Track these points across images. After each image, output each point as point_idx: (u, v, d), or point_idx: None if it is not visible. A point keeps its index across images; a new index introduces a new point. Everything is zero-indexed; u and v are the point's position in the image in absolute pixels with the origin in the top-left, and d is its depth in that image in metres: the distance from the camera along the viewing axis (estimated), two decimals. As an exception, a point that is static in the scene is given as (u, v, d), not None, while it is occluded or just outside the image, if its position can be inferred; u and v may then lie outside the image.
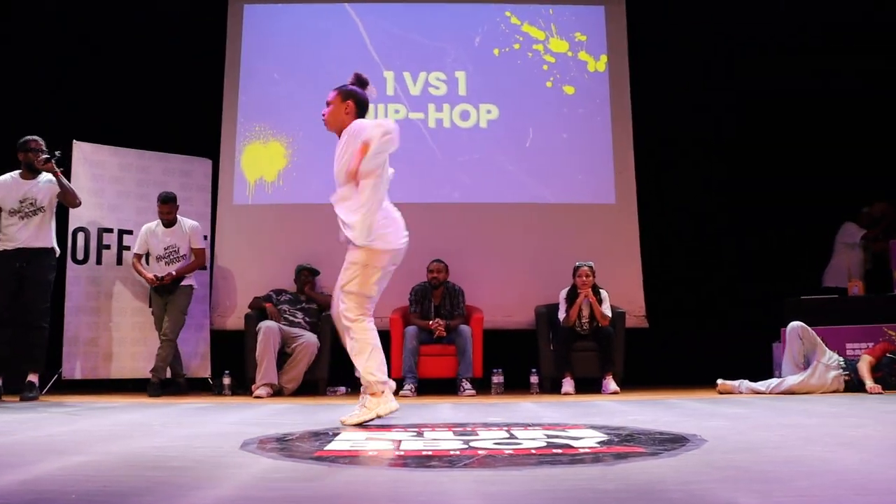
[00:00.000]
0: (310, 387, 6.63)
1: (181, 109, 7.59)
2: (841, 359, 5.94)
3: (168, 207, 6.65)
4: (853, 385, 5.74)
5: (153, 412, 4.38)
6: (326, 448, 2.57)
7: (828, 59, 7.72)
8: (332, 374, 6.77)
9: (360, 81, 4.15)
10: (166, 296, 6.58)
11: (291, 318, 6.77)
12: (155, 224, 6.72)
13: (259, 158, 7.85)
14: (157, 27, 7.74)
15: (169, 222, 6.68)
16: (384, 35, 8.16)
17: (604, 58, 8.20)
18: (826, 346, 5.97)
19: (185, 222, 6.78)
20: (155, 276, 6.49)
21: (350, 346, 3.79)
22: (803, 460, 2.21)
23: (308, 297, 6.98)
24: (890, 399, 4.96)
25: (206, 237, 7.14)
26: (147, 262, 6.70)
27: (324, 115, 4.03)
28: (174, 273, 6.53)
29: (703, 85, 8.00)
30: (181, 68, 7.77)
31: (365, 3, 8.19)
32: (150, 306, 6.76)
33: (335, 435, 2.99)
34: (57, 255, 5.87)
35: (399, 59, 8.13)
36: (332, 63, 8.02)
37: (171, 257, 6.67)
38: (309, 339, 6.58)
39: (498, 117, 8.03)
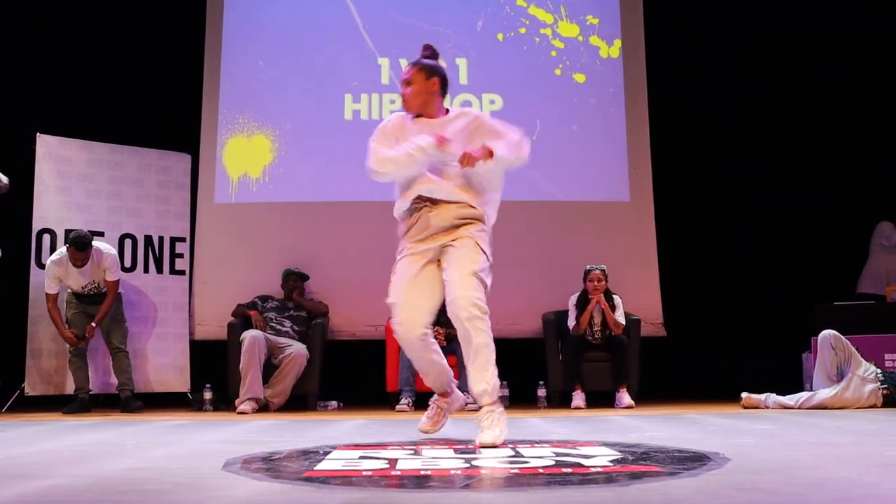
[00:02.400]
0: (298, 401, 6.62)
1: (157, 100, 7.58)
2: (879, 371, 5.93)
3: (83, 255, 6.34)
4: (892, 400, 5.72)
5: (126, 430, 4.37)
6: (316, 468, 2.56)
7: (867, 47, 7.71)
8: (323, 387, 6.77)
9: (434, 54, 3.90)
10: (93, 307, 6.53)
11: (278, 326, 6.75)
12: (66, 261, 6.40)
13: (243, 153, 7.84)
14: (130, 10, 7.73)
15: (82, 263, 6.43)
16: (379, 19, 8.15)
17: (617, 42, 8.19)
18: (862, 356, 5.96)
19: (100, 255, 6.46)
20: (74, 333, 6.35)
21: (484, 343, 3.57)
22: (837, 483, 2.19)
23: (296, 303, 6.96)
24: (931, 415, 4.95)
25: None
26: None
27: (404, 95, 3.74)
28: (94, 325, 6.44)
29: (728, 74, 7.97)
30: (157, 55, 7.75)
31: (358, -15, 8.20)
32: (68, 327, 6.50)
33: (326, 454, 2.98)
34: None
35: (395, 46, 8.12)
36: (322, 49, 8.04)
37: (93, 294, 6.55)
38: (297, 349, 6.56)
39: (502, 108, 8.01)
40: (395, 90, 7.92)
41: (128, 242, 7.12)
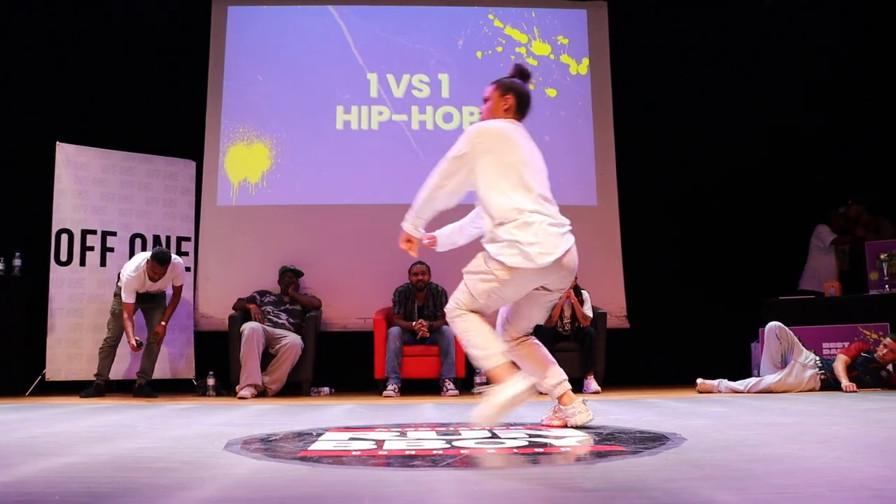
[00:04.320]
0: (294, 387, 6.62)
1: (165, 111, 7.56)
2: (817, 358, 6.01)
3: (163, 270, 6.34)
4: (829, 384, 5.80)
5: (137, 414, 4.36)
6: (310, 448, 2.57)
7: (809, 60, 7.79)
8: (317, 374, 6.78)
9: (522, 73, 3.55)
10: (140, 304, 6.52)
11: (275, 319, 6.75)
12: (143, 274, 6.35)
13: (243, 160, 7.82)
14: (141, 28, 7.70)
15: (160, 276, 6.41)
16: (368, 37, 8.16)
17: (585, 61, 8.24)
18: (803, 345, 6.03)
19: (173, 265, 6.45)
20: (137, 340, 6.22)
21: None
22: (781, 458, 2.23)
23: (292, 298, 6.96)
24: (864, 397, 5.00)
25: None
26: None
27: (482, 112, 3.49)
28: (164, 324, 6.47)
29: (684, 87, 8.03)
30: (165, 69, 7.75)
31: (349, 6, 8.19)
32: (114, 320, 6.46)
33: (319, 435, 2.98)
34: None
35: (383, 62, 8.13)
36: (316, 65, 8.03)
37: (144, 294, 6.50)
38: (293, 339, 6.56)
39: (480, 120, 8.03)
40: (383, 103, 8.00)
41: (138, 242, 7.10)
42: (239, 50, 8.03)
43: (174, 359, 7.05)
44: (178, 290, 6.60)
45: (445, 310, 3.29)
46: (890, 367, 5.99)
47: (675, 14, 8.00)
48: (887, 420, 3.34)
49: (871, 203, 7.61)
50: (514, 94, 3.43)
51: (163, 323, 6.47)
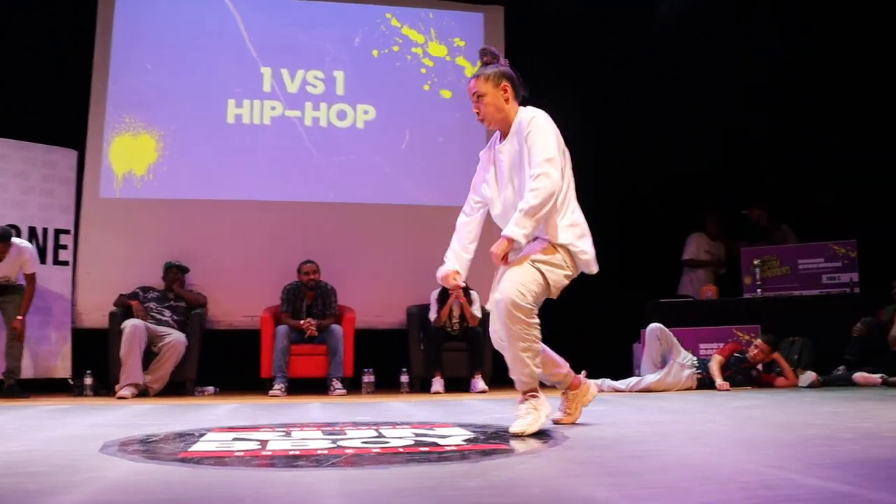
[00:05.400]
0: (176, 387, 6.44)
1: (44, 97, 7.17)
2: (694, 358, 6.28)
3: (2, 247, 6.10)
4: (705, 383, 6.07)
5: (6, 415, 4.16)
6: (191, 449, 2.51)
7: (701, 64, 8.03)
8: (201, 373, 6.62)
9: (492, 54, 3.30)
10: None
11: (159, 316, 6.56)
12: None
13: (128, 151, 7.54)
14: (20, 8, 7.30)
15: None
16: (263, 30, 8.01)
17: (480, 64, 8.31)
18: (681, 346, 6.28)
19: (19, 249, 6.21)
20: None
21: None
22: (657, 455, 2.31)
23: (177, 294, 6.77)
24: (736, 396, 5.25)
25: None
26: None
27: (478, 112, 3.22)
28: (22, 318, 6.18)
29: (577, 92, 8.19)
30: (46, 53, 7.33)
31: (243, -3, 8.02)
32: None
33: (201, 436, 2.92)
34: None
35: (277, 56, 8.00)
36: (208, 56, 7.83)
37: (9, 291, 6.25)
38: (176, 337, 6.39)
39: (375, 118, 8.03)
40: (276, 98, 7.87)
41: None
42: (127, 37, 7.72)
43: (49, 357, 6.74)
44: (30, 280, 6.26)
45: (507, 296, 2.98)
46: (760, 366, 6.32)
47: (571, 16, 8.15)
48: (756, 417, 3.50)
49: (772, 209, 8.01)
50: (509, 80, 3.26)
51: (19, 317, 6.16)
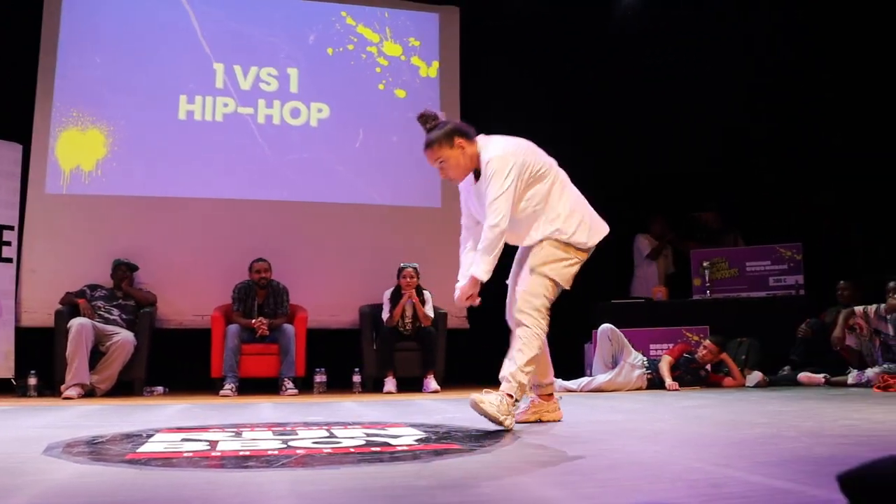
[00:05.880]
0: (125, 387, 6.33)
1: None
2: (645, 359, 6.37)
3: None
4: (655, 383, 6.16)
5: (-54, 414, 4.05)
6: (139, 450, 2.47)
7: (702, 63, 8.11)
8: (150, 373, 6.51)
9: (433, 117, 3.46)
10: None
11: (107, 314, 6.44)
12: None
13: (76, 146, 7.38)
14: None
15: None
16: (215, 25, 7.90)
17: (436, 64, 8.34)
18: (632, 346, 6.36)
19: None
20: None
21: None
22: (608, 453, 2.34)
23: (125, 293, 6.66)
24: (685, 395, 5.34)
25: None
26: None
27: (446, 177, 3.39)
28: None
29: (533, 93, 8.23)
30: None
31: (196, -8, 7.91)
32: None
33: (149, 437, 2.87)
34: None
35: (230, 52, 7.90)
36: (160, 51, 7.71)
37: None
38: (125, 336, 6.28)
39: (329, 117, 7.99)
40: (229, 94, 7.79)
41: (-48, 229, 6.57)
42: (75, 29, 7.55)
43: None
44: None
45: (526, 298, 3.31)
46: (708, 366, 6.44)
47: (526, 18, 8.19)
48: (704, 416, 3.57)
49: (724, 212, 8.13)
50: (459, 134, 3.36)
51: None
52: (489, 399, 3.03)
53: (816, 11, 7.74)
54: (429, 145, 3.33)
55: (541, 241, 3.33)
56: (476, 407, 3.01)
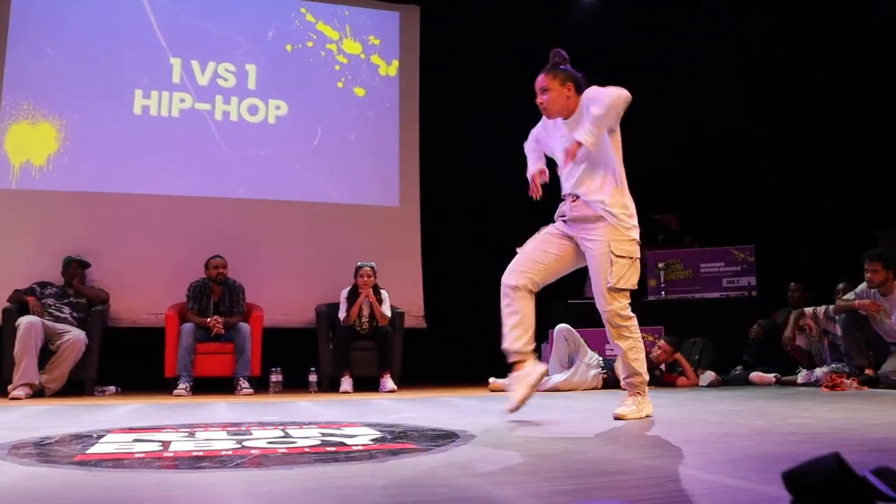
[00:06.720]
0: (75, 386, 6.22)
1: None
2: (601, 358, 6.42)
3: None
4: (611, 382, 6.21)
5: None
6: (89, 451, 2.43)
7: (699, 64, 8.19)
8: (102, 372, 6.41)
9: (564, 59, 3.63)
10: None
11: (57, 312, 6.32)
12: None
13: (26, 140, 7.23)
14: None
15: None
16: (172, 19, 7.80)
17: (395, 63, 8.33)
18: (588, 346, 6.42)
19: None
20: None
21: (627, 345, 3.62)
22: (562, 453, 2.35)
23: (77, 291, 6.54)
24: (640, 396, 5.38)
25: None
26: None
27: (541, 103, 3.55)
28: None
29: (495, 95, 8.26)
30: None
31: (152, -15, 7.80)
32: None
33: (100, 437, 2.82)
34: None
35: (187, 47, 7.81)
36: (115, 44, 7.58)
37: None
38: (76, 335, 6.17)
39: (287, 114, 7.94)
40: (186, 90, 7.69)
41: None
42: (26, 19, 7.40)
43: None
44: None
45: (608, 322, 3.70)
46: (663, 366, 6.52)
47: (488, 20, 8.21)
48: (658, 415, 3.61)
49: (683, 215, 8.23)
50: (573, 81, 3.52)
51: None
52: (628, 410, 3.47)
53: (812, 11, 7.81)
54: (547, 71, 3.55)
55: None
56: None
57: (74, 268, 6.60)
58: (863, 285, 6.01)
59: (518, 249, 3.71)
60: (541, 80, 3.54)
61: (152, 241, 7.30)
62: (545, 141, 3.71)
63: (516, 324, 3.46)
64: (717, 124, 8.35)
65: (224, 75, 7.85)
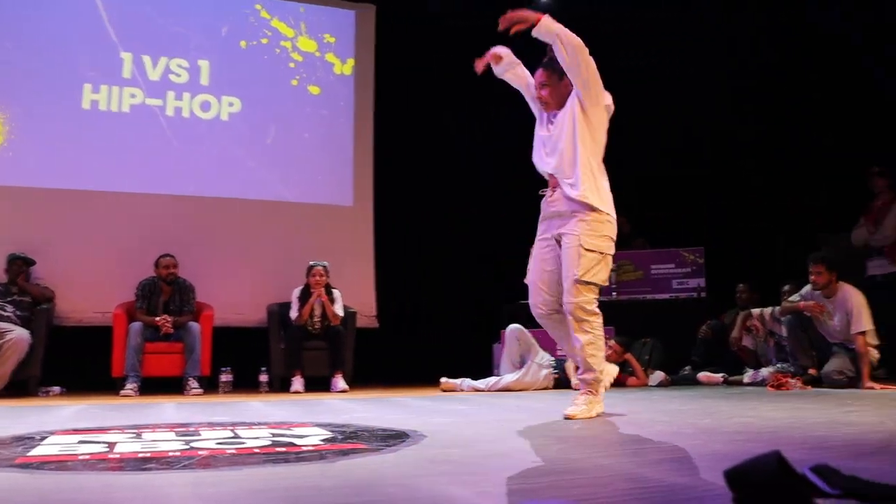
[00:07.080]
0: (18, 386, 6.07)
1: None
2: (552, 358, 6.47)
3: None
4: (561, 382, 6.26)
5: None
6: (31, 453, 2.37)
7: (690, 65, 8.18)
8: (46, 372, 6.27)
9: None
10: None
11: (0, 311, 6.18)
12: None
13: (-31, 134, 7.07)
14: None
15: None
16: (123, 13, 7.65)
17: (350, 61, 8.30)
18: (540, 346, 6.46)
19: None
20: None
21: (586, 339, 3.58)
22: (513, 452, 2.37)
23: (21, 288, 6.39)
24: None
25: None
26: None
27: (541, 97, 3.68)
28: None
29: (446, 93, 8.25)
30: None
31: (102, -23, 7.65)
32: None
33: (43, 439, 2.77)
34: None
35: (139, 41, 7.66)
36: (63, 36, 7.41)
37: None
38: (19, 334, 6.02)
39: (240, 111, 7.85)
40: (137, 85, 7.56)
41: None
42: (-32, 10, 7.22)
43: None
44: None
45: (570, 315, 3.59)
46: (613, 367, 6.58)
47: (442, 19, 8.21)
48: (605, 415, 3.65)
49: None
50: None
51: None
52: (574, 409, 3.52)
53: (800, 12, 7.87)
54: (545, 66, 3.65)
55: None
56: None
57: (18, 265, 6.45)
58: (807, 287, 6.14)
59: (526, 281, 3.91)
60: (540, 76, 3.68)
61: (100, 238, 7.16)
62: (539, 129, 3.82)
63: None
64: (704, 126, 8.40)
65: (176, 71, 7.73)
